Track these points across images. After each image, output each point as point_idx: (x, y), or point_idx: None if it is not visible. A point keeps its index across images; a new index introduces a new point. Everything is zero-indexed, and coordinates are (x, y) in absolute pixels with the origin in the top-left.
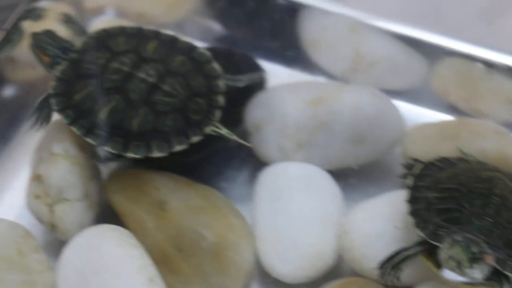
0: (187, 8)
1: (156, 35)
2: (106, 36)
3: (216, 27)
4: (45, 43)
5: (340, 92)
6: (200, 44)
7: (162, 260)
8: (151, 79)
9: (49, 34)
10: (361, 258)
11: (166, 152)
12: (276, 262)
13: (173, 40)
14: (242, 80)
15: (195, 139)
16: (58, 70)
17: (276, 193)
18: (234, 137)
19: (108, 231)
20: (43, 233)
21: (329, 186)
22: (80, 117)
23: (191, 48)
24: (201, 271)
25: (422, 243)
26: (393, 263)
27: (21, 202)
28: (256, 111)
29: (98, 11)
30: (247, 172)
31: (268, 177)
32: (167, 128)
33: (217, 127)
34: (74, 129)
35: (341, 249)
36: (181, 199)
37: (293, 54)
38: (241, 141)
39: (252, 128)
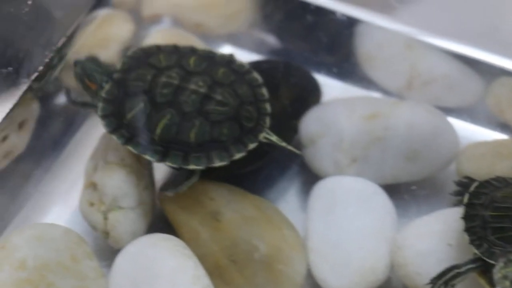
0: (243, 20)
1: (193, 50)
2: (145, 55)
3: (271, 40)
4: (91, 70)
5: (395, 108)
6: (255, 57)
7: (215, 271)
8: (202, 90)
9: (94, 60)
10: (414, 274)
11: (227, 160)
12: (329, 276)
13: (211, 54)
14: None
15: (252, 146)
16: (104, 91)
17: (330, 206)
18: (284, 144)
19: (162, 240)
20: (94, 239)
21: (383, 201)
22: (134, 135)
23: (230, 60)
24: (254, 282)
25: (475, 260)
26: (445, 279)
27: (74, 209)
28: (311, 125)
29: (156, 20)
30: (299, 184)
31: (322, 190)
32: (224, 137)
33: (268, 133)
34: (129, 147)
35: (393, 264)
36: (235, 210)
37: (348, 69)
38: (291, 148)
39: (306, 141)
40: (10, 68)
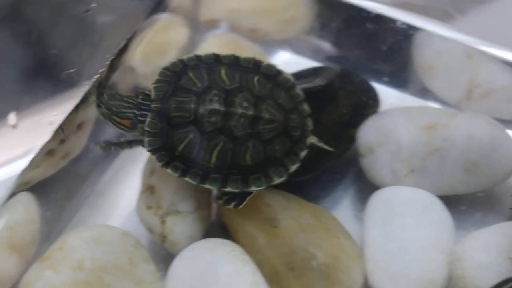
0: (300, 26)
1: (218, 59)
2: (174, 76)
3: (328, 46)
4: (118, 107)
5: (455, 119)
6: (311, 63)
7: (272, 278)
8: (250, 112)
9: (115, 96)
10: (473, 287)
11: (284, 175)
12: (386, 286)
13: (235, 60)
14: (316, 82)
15: (303, 154)
16: (147, 124)
17: (388, 216)
18: (321, 144)
19: (220, 245)
20: (150, 243)
21: (441, 213)
22: (189, 166)
23: (255, 63)
24: None
25: None
26: None
27: (130, 211)
28: (369, 134)
29: (212, 25)
30: (354, 193)
31: (379, 200)
32: (277, 153)
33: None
34: (187, 179)
35: (451, 277)
36: (292, 217)
37: (406, 78)
38: (327, 147)
39: (364, 150)
40: (72, 70)
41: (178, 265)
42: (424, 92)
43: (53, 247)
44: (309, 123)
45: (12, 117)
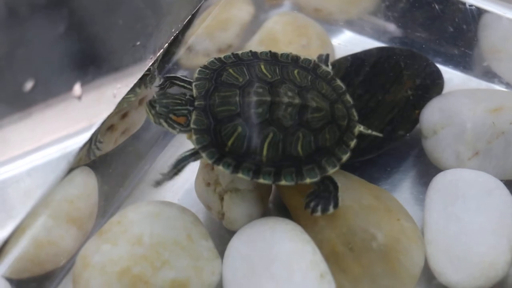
0: (365, 6)
1: (255, 55)
2: (213, 73)
3: (392, 27)
4: (174, 105)
5: None
6: (375, 44)
7: (331, 258)
8: (296, 101)
9: (167, 95)
10: None
11: (337, 165)
12: (447, 269)
13: (272, 55)
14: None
15: (353, 144)
16: (192, 121)
17: (450, 199)
18: (369, 131)
19: (280, 223)
20: (207, 220)
21: (505, 197)
22: (240, 161)
23: (293, 58)
24: (371, 271)
25: None
26: None
27: (188, 188)
28: (433, 115)
29: (277, 3)
30: (415, 175)
31: (442, 182)
32: (328, 142)
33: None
34: (240, 175)
35: None
36: (353, 198)
37: (472, 60)
38: (376, 133)
39: (427, 132)
40: (138, 43)
41: (237, 242)
42: (489, 75)
43: (112, 221)
44: (354, 113)
45: (77, 88)
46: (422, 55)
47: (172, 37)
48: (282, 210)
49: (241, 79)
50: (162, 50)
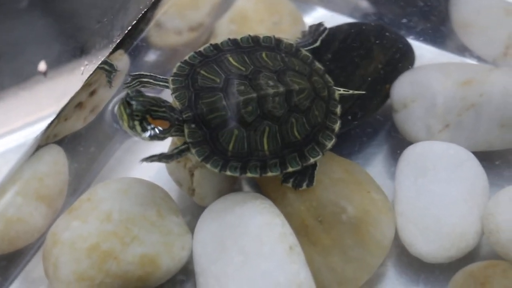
0: None
1: (216, 47)
2: (188, 77)
3: (364, 4)
4: (149, 105)
5: (491, 75)
6: (347, 20)
7: (301, 230)
8: (281, 89)
9: (141, 93)
10: (506, 241)
11: (333, 137)
12: (417, 240)
13: (233, 43)
14: (313, 40)
15: (339, 110)
16: (187, 136)
17: (421, 171)
18: (350, 91)
19: (249, 198)
20: (178, 196)
21: (475, 168)
22: (245, 161)
23: (254, 39)
24: (341, 243)
25: None
26: None
27: (159, 165)
28: (404, 89)
29: None
30: (387, 149)
31: (412, 155)
32: (319, 118)
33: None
34: (249, 175)
35: (484, 231)
36: (323, 171)
37: (443, 35)
38: (356, 92)
39: (398, 105)
40: (105, 20)
41: (207, 217)
42: (461, 49)
43: (82, 198)
44: (329, 78)
45: (42, 64)
46: (392, 30)
47: (140, 14)
48: (253, 185)
49: (218, 80)
50: (130, 28)
